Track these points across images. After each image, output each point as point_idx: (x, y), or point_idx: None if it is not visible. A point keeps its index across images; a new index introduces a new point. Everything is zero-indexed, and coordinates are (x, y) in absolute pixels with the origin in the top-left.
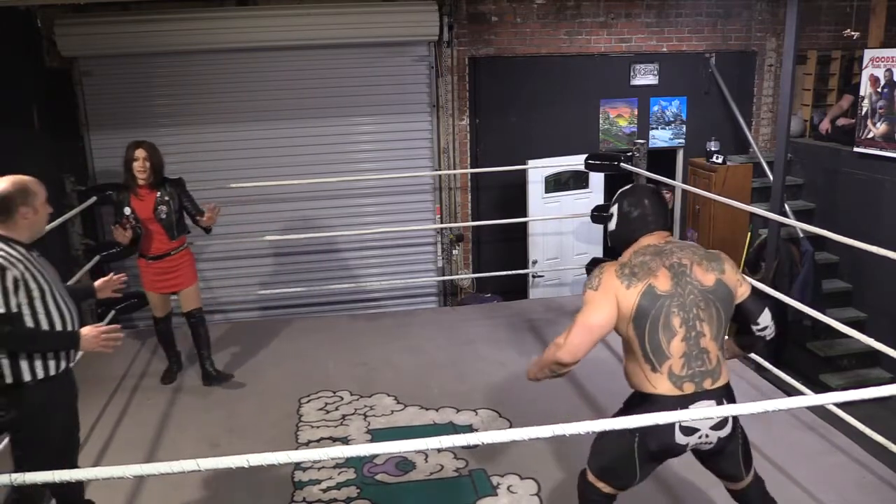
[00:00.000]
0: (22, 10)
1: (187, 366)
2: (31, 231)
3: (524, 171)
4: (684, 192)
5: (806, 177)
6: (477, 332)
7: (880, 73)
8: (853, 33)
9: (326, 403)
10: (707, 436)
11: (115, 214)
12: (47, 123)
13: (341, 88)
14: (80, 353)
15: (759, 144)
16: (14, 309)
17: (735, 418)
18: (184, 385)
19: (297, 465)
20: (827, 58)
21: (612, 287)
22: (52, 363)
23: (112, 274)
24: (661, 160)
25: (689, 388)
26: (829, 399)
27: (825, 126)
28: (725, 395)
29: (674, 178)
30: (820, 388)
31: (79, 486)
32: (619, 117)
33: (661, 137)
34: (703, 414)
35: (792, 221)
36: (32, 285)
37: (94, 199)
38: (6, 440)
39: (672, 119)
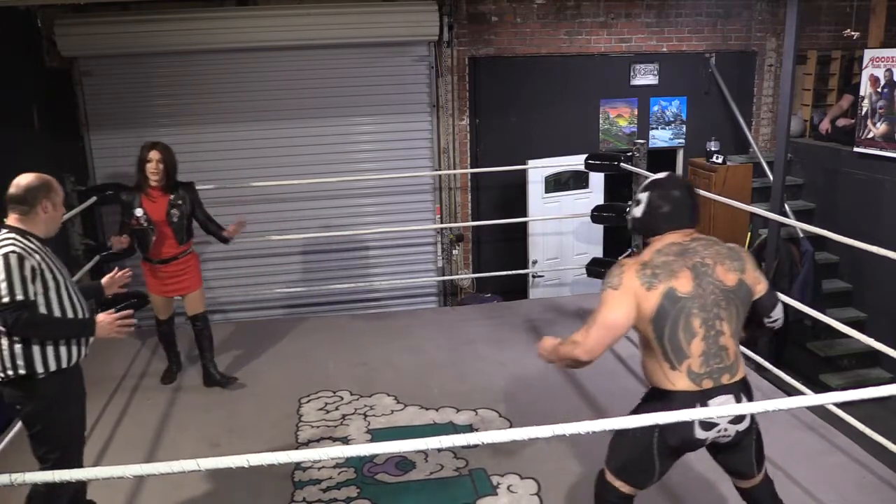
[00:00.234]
0: (22, 10)
1: (187, 366)
2: (48, 226)
3: (524, 171)
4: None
5: (806, 177)
6: (477, 332)
7: (880, 73)
8: (853, 33)
9: (326, 403)
10: (725, 430)
11: (123, 215)
12: (47, 123)
13: (341, 88)
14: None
15: (759, 144)
16: (32, 297)
17: (752, 414)
18: (184, 385)
19: (297, 465)
20: (827, 58)
21: (631, 287)
22: (64, 355)
23: (117, 269)
24: (661, 160)
25: (707, 384)
26: (829, 399)
27: (825, 126)
28: (743, 388)
29: None
30: (820, 388)
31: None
32: (619, 117)
33: (661, 137)
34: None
35: (792, 221)
36: (48, 276)
37: (94, 199)
38: (5, 439)
39: (672, 119)
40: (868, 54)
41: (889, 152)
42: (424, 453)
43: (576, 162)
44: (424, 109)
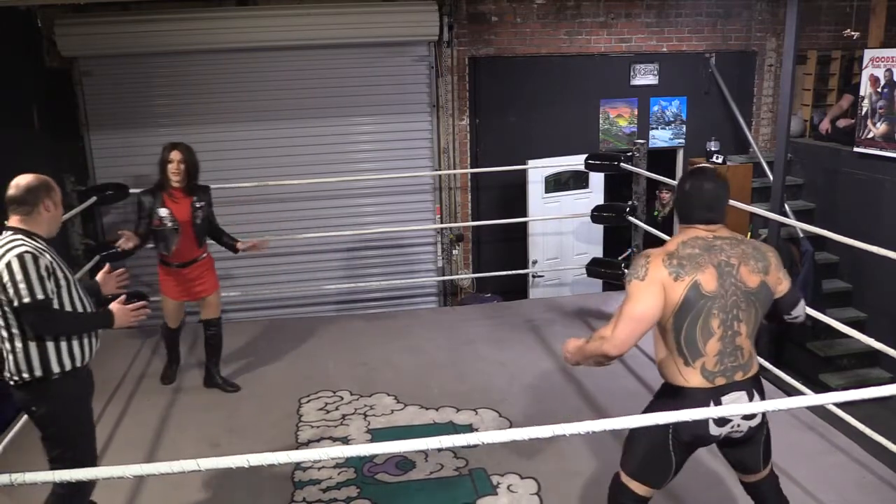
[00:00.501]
0: (22, 10)
1: (188, 366)
2: (50, 226)
3: (524, 171)
4: None
5: (806, 177)
6: (477, 332)
7: (880, 73)
8: (853, 33)
9: (326, 403)
10: (738, 425)
11: (140, 214)
12: (47, 123)
13: (341, 88)
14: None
15: (759, 144)
16: (51, 295)
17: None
18: (184, 385)
19: (297, 465)
20: (827, 58)
21: (659, 277)
22: (77, 354)
23: (108, 266)
24: (661, 160)
25: (720, 382)
26: (829, 399)
27: (825, 126)
28: (755, 385)
29: (674, 178)
30: (820, 388)
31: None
32: (619, 117)
33: (661, 137)
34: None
35: (792, 221)
36: (59, 274)
37: (94, 199)
38: (6, 439)
39: (672, 119)
40: (868, 54)
41: (889, 152)
42: (424, 453)
43: (576, 162)
44: (424, 109)
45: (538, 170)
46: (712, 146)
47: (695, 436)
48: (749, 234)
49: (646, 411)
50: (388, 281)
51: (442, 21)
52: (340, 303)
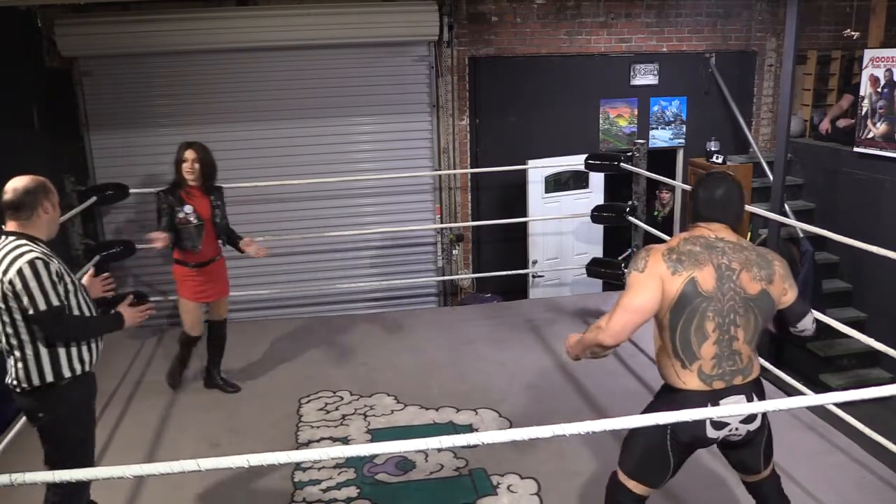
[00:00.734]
0: (22, 10)
1: (188, 367)
2: (49, 228)
3: (524, 171)
4: (684, 192)
5: (806, 177)
6: (477, 332)
7: (880, 73)
8: (853, 33)
9: (326, 403)
10: (736, 429)
11: (160, 213)
12: (47, 123)
13: (341, 88)
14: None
15: (759, 144)
16: (64, 301)
17: (764, 413)
18: (184, 385)
19: (297, 465)
20: (827, 58)
21: (658, 271)
22: (86, 358)
23: (93, 270)
24: (661, 160)
25: (718, 385)
26: (829, 399)
27: (825, 126)
28: (755, 389)
29: (674, 178)
30: (820, 388)
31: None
32: (619, 117)
33: (661, 137)
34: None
35: (792, 221)
36: (67, 279)
37: (94, 199)
38: (6, 439)
39: (672, 119)
40: (868, 54)
41: (889, 152)
42: (424, 453)
43: (576, 162)
44: (424, 109)
45: (538, 170)
46: (712, 146)
47: (693, 437)
48: (749, 234)
49: (645, 412)
50: (388, 281)
51: (442, 21)
52: (340, 303)
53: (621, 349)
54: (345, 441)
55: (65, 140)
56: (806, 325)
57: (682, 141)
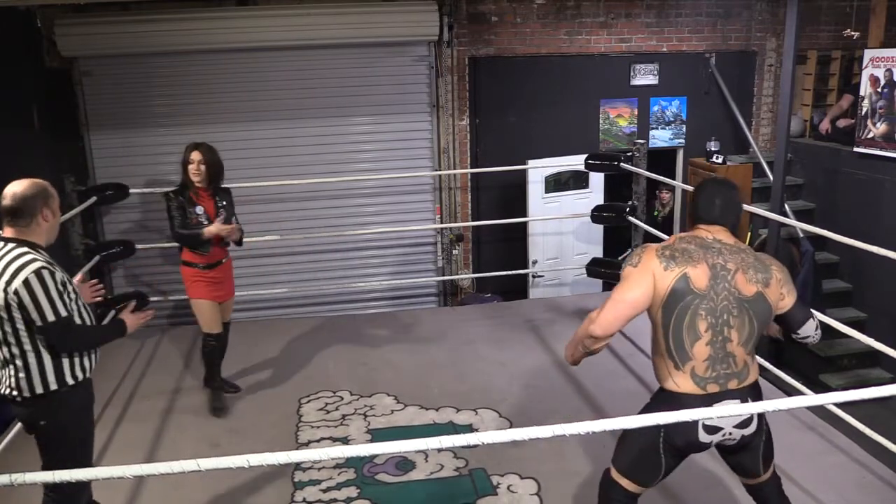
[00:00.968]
0: (22, 10)
1: (188, 367)
2: (49, 235)
3: (524, 171)
4: (684, 192)
5: (806, 177)
6: (477, 332)
7: (880, 73)
8: (853, 33)
9: (326, 403)
10: (731, 433)
11: (171, 213)
12: (47, 123)
13: (341, 88)
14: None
15: (759, 144)
16: (71, 311)
17: (761, 415)
18: (184, 385)
19: (297, 465)
20: (827, 58)
21: (651, 266)
22: (87, 365)
23: (81, 275)
24: (661, 160)
25: (713, 389)
26: (829, 399)
27: (825, 126)
28: (751, 393)
29: (674, 178)
30: (820, 388)
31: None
32: (619, 117)
33: (661, 137)
34: (700, 415)
35: (792, 221)
36: (70, 287)
37: (94, 199)
38: (6, 439)
39: (672, 119)
40: (868, 54)
41: (889, 152)
42: (424, 453)
43: (576, 162)
44: (424, 109)
45: (538, 170)
46: (712, 146)
47: (686, 442)
48: (749, 234)
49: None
50: (388, 281)
51: (442, 21)
52: (340, 303)
53: (621, 349)
54: (345, 441)
55: (65, 140)
56: (808, 331)
57: (682, 141)
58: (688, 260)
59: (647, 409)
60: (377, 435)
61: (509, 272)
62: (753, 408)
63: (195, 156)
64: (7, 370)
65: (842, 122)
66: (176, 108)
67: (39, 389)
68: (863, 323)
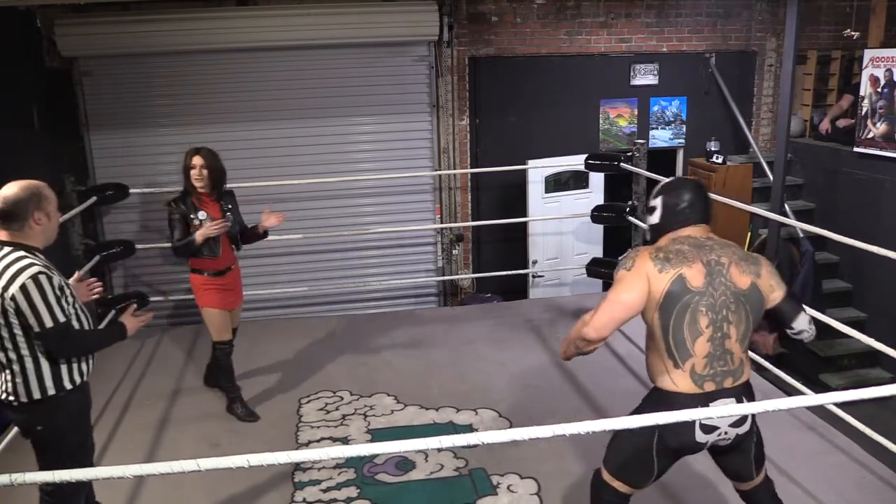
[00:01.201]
0: (22, 10)
1: (188, 366)
2: (45, 237)
3: (524, 171)
4: None
5: (806, 177)
6: (477, 332)
7: (880, 73)
8: (853, 33)
9: (326, 403)
10: (726, 433)
11: (172, 224)
12: (47, 123)
13: (341, 88)
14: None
15: (759, 144)
16: (69, 316)
17: (752, 416)
18: (183, 386)
19: (297, 465)
20: (827, 58)
21: (644, 269)
22: (84, 369)
23: (78, 274)
24: (661, 160)
25: (709, 387)
26: (829, 399)
27: (825, 126)
28: (745, 392)
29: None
30: (820, 388)
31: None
32: (619, 117)
33: (661, 137)
34: (702, 414)
35: (792, 221)
36: (67, 291)
37: (94, 199)
38: (6, 439)
39: (672, 119)
40: (868, 54)
41: (889, 152)
42: (424, 453)
43: (576, 162)
44: (424, 109)
45: (538, 170)
46: (712, 146)
47: (681, 442)
48: (749, 233)
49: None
50: (388, 281)
51: (442, 21)
52: (340, 303)
53: (621, 349)
54: (345, 441)
55: (65, 140)
56: (801, 325)
57: (682, 141)
58: (682, 261)
59: (640, 410)
60: (377, 435)
61: (509, 272)
62: (753, 408)
63: (196, 161)
64: (4, 375)
65: (842, 122)
66: (176, 108)
67: (37, 395)
68: (863, 323)
